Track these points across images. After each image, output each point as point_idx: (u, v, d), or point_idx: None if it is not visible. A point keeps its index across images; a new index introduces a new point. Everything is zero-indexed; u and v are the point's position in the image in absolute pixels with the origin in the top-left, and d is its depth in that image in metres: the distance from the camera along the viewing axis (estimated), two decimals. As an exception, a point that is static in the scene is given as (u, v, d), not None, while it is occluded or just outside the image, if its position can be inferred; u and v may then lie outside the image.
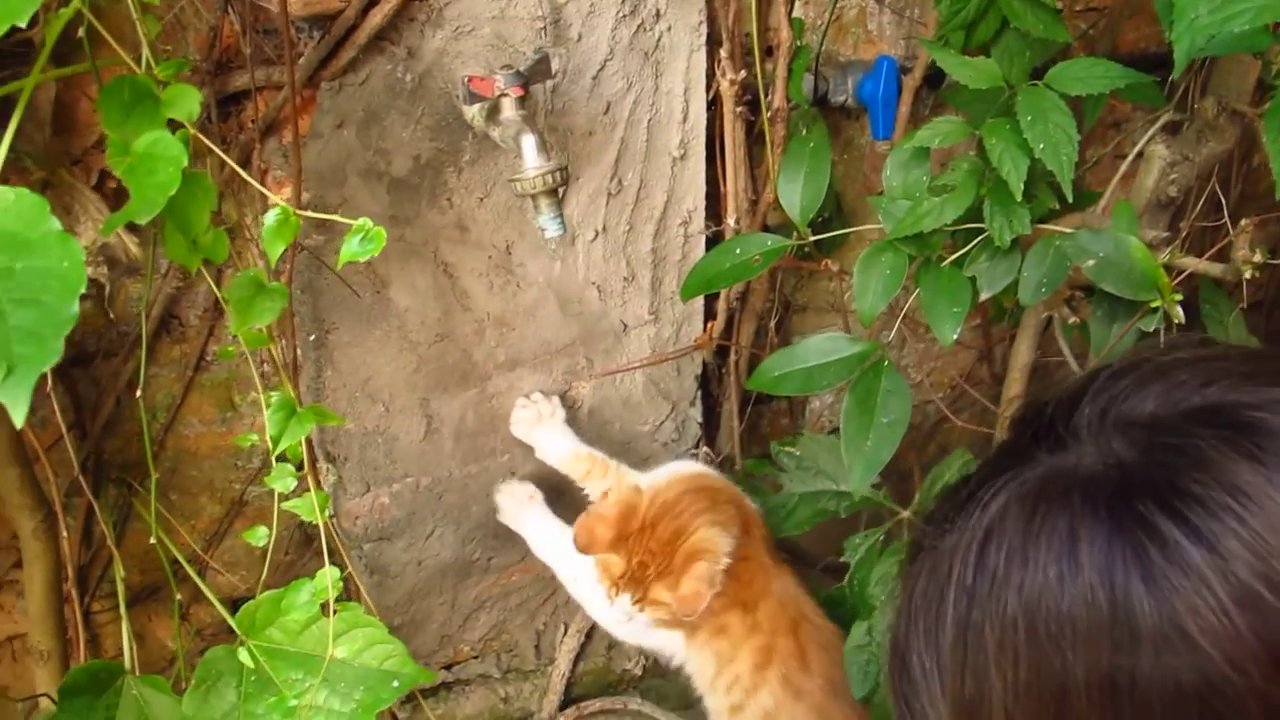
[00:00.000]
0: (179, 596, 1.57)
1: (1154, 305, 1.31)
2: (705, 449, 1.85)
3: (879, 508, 1.62)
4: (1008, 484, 0.69)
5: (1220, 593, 0.59)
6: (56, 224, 0.86)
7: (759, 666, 1.54)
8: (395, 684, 1.42)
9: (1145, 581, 0.61)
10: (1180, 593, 0.60)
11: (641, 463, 1.80)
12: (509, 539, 1.77)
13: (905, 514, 1.60)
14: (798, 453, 1.66)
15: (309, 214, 1.14)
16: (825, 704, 1.55)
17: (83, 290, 0.83)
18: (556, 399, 1.69)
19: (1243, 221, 1.27)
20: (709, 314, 1.76)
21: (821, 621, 1.60)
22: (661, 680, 1.80)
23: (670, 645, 1.64)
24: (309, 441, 1.55)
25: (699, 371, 1.81)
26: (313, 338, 1.51)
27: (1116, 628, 0.61)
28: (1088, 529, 0.63)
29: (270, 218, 1.09)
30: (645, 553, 1.48)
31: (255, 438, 1.42)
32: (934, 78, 1.67)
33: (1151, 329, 1.34)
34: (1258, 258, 1.25)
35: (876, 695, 1.49)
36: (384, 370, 1.56)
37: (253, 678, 1.42)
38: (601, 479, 1.65)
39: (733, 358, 1.80)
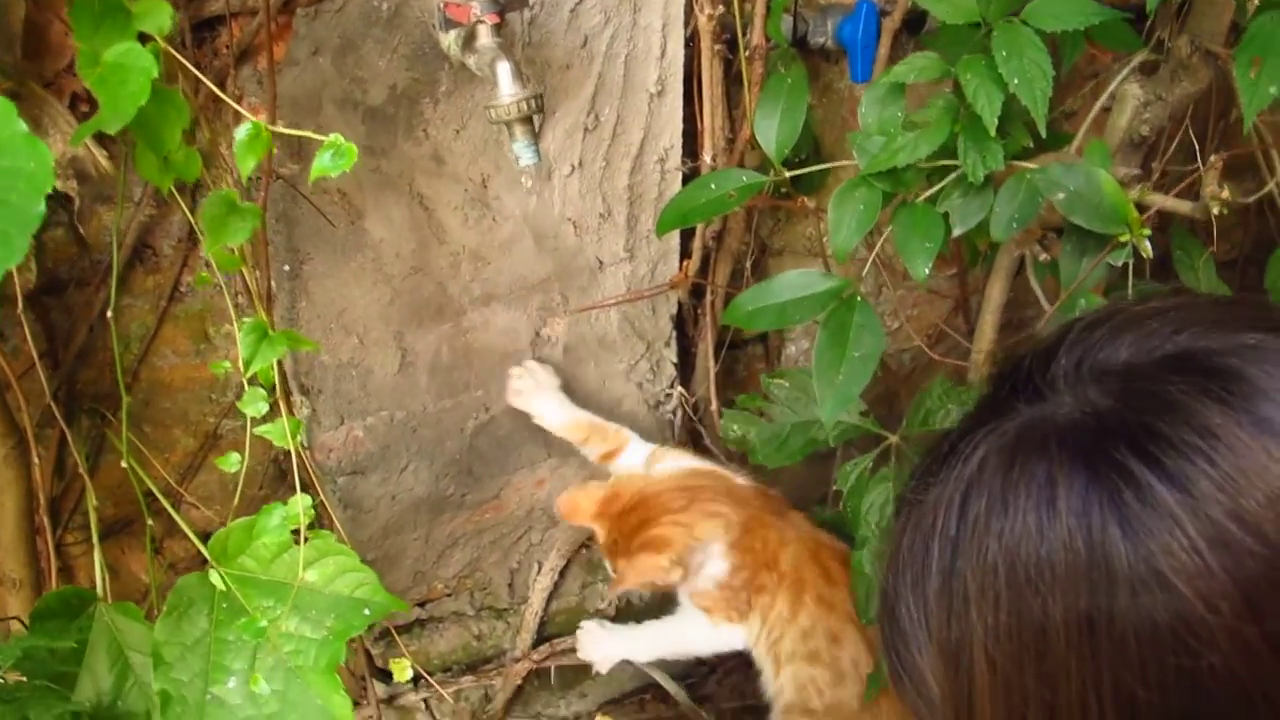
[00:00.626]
0: (150, 523, 1.57)
1: (1123, 240, 1.32)
2: (680, 390, 1.86)
3: (867, 435, 1.64)
4: (987, 436, 0.71)
5: (1192, 532, 0.61)
6: (23, 126, 0.86)
7: (794, 601, 1.64)
8: (367, 612, 1.43)
9: (1121, 525, 0.62)
10: (1154, 534, 0.61)
11: (615, 403, 1.81)
12: (483, 475, 1.78)
13: (893, 439, 1.62)
14: (787, 384, 1.68)
15: (280, 129, 1.13)
16: (854, 612, 1.64)
17: (49, 190, 0.84)
18: (550, 367, 1.73)
19: (1212, 158, 1.27)
20: (684, 254, 1.76)
21: (836, 543, 1.71)
22: (634, 622, 1.81)
23: (738, 639, 1.72)
24: (282, 371, 1.56)
25: (674, 312, 1.81)
26: (287, 268, 1.51)
27: (1094, 570, 0.63)
28: (1065, 476, 0.65)
29: (241, 132, 1.09)
30: (618, 532, 1.61)
31: (228, 365, 1.42)
32: (914, 22, 1.67)
33: (1120, 263, 1.35)
34: (1226, 194, 1.26)
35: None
36: (359, 302, 1.57)
37: (224, 604, 1.42)
38: (601, 443, 1.73)
39: (709, 298, 1.81)
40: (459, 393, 1.69)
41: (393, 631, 1.83)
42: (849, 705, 1.63)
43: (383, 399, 1.65)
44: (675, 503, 1.60)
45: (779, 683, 1.66)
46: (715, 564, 1.61)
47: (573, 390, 1.75)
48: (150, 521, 1.57)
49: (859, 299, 1.42)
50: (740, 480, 1.71)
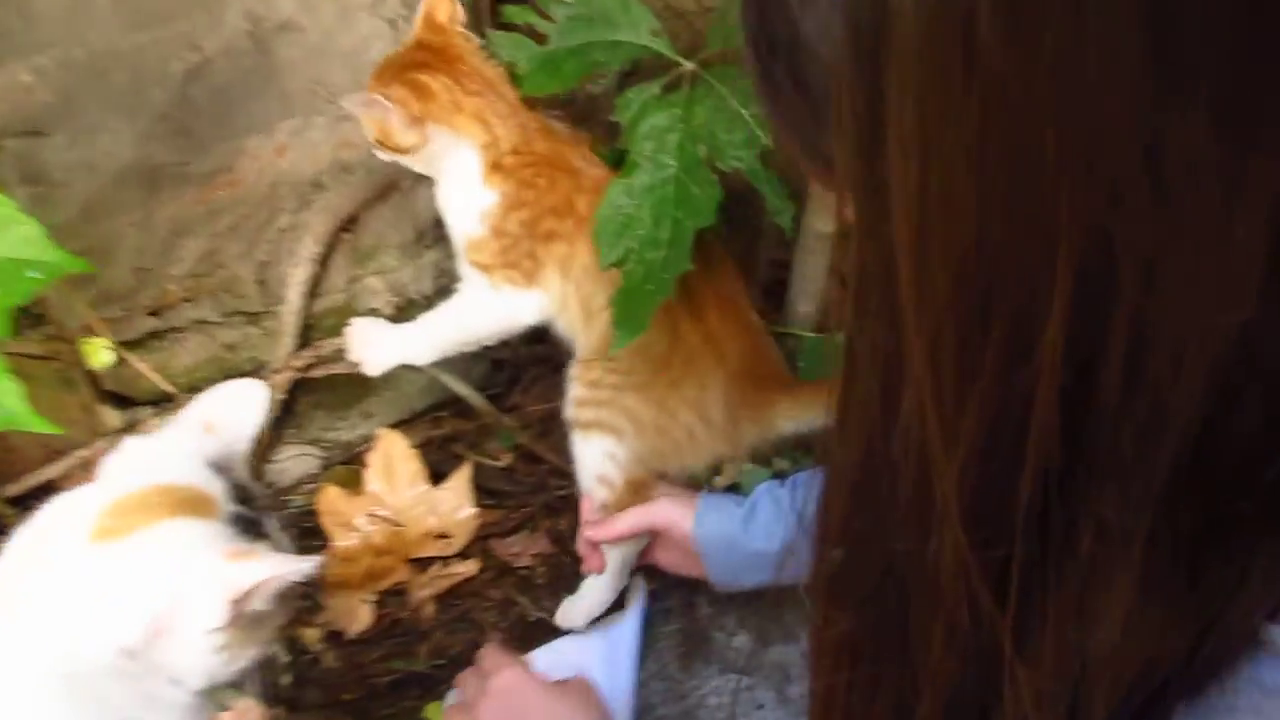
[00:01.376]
0: None
1: None
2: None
3: (659, 58, 1.38)
4: None
5: None
6: None
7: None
8: (34, 274, 1.13)
9: None
10: None
11: (362, 45, 1.49)
12: (205, 138, 1.45)
13: (688, 65, 1.36)
14: (572, 2, 1.39)
15: None
16: None
17: None
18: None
19: None
20: None
21: None
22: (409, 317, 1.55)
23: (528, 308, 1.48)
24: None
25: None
26: None
27: None
28: None
29: None
30: (404, 58, 1.40)
31: None
32: None
33: None
34: None
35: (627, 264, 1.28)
36: (-4, -106, 1.20)
37: None
38: None
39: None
40: (155, 25, 1.34)
41: (120, 349, 1.52)
42: (657, 349, 1.42)
43: (53, 31, 1.29)
44: (467, 80, 1.37)
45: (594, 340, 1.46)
46: (477, 189, 1.38)
47: (303, 26, 1.43)
48: None
49: None
50: (556, 121, 1.47)
